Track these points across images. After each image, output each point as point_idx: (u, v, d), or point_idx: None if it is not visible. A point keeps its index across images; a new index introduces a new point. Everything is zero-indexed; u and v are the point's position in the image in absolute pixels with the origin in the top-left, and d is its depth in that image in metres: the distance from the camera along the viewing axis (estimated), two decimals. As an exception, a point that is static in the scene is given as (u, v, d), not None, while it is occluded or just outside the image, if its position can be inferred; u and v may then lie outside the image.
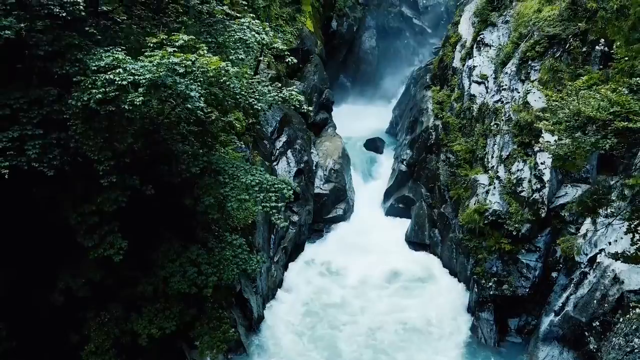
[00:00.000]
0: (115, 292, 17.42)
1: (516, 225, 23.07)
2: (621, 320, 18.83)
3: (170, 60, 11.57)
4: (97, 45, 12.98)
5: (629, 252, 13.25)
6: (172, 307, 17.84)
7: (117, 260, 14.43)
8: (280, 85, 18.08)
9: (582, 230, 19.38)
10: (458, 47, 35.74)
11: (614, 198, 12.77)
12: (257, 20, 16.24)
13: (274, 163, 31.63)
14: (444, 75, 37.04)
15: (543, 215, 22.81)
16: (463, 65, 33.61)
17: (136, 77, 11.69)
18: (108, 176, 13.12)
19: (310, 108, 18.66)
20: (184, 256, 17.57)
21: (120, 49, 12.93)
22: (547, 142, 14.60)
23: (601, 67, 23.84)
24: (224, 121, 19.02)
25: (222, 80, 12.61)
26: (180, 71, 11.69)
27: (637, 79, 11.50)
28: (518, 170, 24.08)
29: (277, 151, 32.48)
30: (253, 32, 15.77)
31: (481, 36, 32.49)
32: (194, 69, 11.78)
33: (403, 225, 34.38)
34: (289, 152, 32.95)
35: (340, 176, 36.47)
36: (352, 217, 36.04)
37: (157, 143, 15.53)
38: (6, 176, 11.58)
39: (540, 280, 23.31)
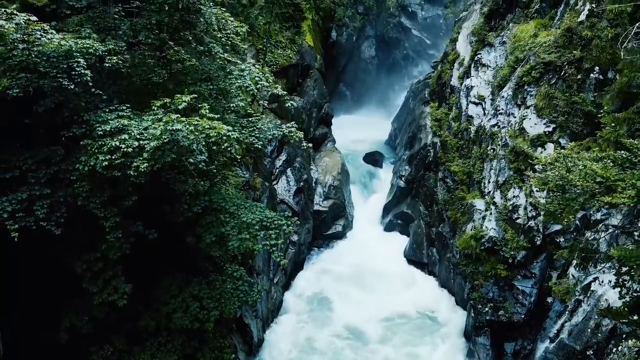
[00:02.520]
0: (119, 326, 17.82)
1: (512, 253, 23.43)
2: (614, 350, 19.22)
3: (174, 127, 11.94)
4: (102, 102, 13.35)
5: (617, 306, 13.61)
6: (174, 340, 18.30)
7: (121, 304, 14.80)
8: (280, 122, 18.37)
9: (571, 275, 19.77)
10: (456, 65, 36.06)
11: (602, 252, 13.17)
12: (256, 66, 16.58)
13: (274, 182, 31.97)
14: (442, 93, 37.38)
15: (538, 242, 23.16)
16: (461, 85, 33.94)
17: (141, 141, 12.08)
18: (115, 231, 13.53)
19: (310, 145, 19.00)
20: (186, 291, 18.01)
21: (125, 107, 13.32)
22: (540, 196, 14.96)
23: (595, 94, 24.19)
24: (225, 155, 19.38)
25: (224, 147, 12.99)
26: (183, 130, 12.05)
27: (622, 152, 11.88)
28: (514, 196, 24.44)
29: (277, 170, 32.78)
30: (253, 75, 16.11)
31: (479, 56, 32.81)
32: (197, 134, 12.15)
33: (401, 241, 34.78)
34: (288, 171, 33.26)
35: (339, 192, 36.83)
36: (351, 233, 36.45)
37: (159, 185, 15.89)
38: (16, 239, 11.99)
39: (536, 306, 23.66)
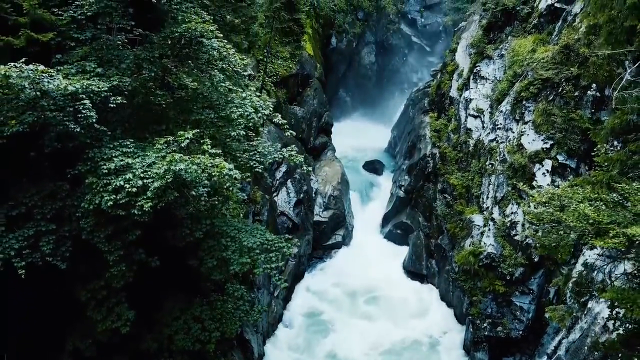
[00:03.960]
0: (121, 347, 18.04)
1: (510, 270, 23.69)
2: (610, 370, 19.45)
3: (178, 168, 12.18)
4: (106, 135, 13.57)
5: (611, 337, 13.84)
6: (176, 360, 18.51)
7: (125, 331, 15.04)
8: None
9: (569, 293, 20.00)
10: (455, 76, 36.32)
11: (596, 282, 13.44)
12: (257, 95, 16.80)
13: (274, 194, 32.14)
14: (441, 103, 37.63)
15: (536, 260, 23.42)
16: (460, 96, 34.18)
17: (145, 180, 12.34)
18: (118, 264, 13.78)
19: (310, 168, 19.25)
20: (187, 313, 18.21)
21: (129, 142, 13.58)
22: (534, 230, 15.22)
23: (593, 110, 24.43)
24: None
25: (226, 186, 13.25)
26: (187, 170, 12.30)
27: (614, 195, 12.15)
28: (512, 212, 24.69)
29: (277, 182, 32.97)
30: (254, 103, 16.34)
31: (477, 68, 33.05)
32: (199, 172, 12.40)
33: (401, 252, 34.99)
34: (288, 182, 33.45)
35: (339, 202, 37.03)
36: (351, 243, 36.64)
37: (161, 210, 16.10)
38: (23, 276, 12.25)
39: (534, 321, 23.91)
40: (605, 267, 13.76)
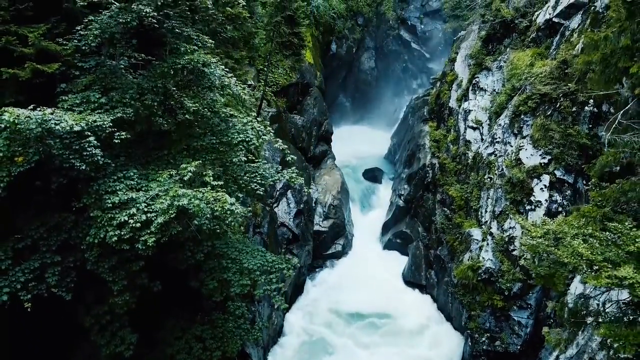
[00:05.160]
0: (125, 366, 18.31)
1: (508, 285, 23.95)
2: (606, 387, 19.67)
3: (180, 203, 12.43)
4: (110, 167, 13.82)
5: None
6: (178, 380, 18.73)
7: (128, 355, 15.29)
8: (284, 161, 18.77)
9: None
10: (454, 87, 36.52)
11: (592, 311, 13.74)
12: (257, 121, 17.04)
13: (274, 205, 32.31)
14: (440, 113, 37.84)
15: (534, 275, 23.62)
16: (459, 107, 34.40)
17: (149, 214, 12.60)
18: (122, 294, 14.03)
19: (311, 190, 19.50)
20: (189, 332, 18.47)
21: (132, 172, 13.83)
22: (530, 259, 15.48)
23: (590, 126, 24.67)
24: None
25: (228, 221, 13.51)
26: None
27: (607, 233, 12.43)
28: (510, 227, 24.92)
29: (277, 192, 33.11)
30: (255, 128, 16.62)
31: (476, 79, 33.26)
32: (202, 206, 12.64)
33: (400, 261, 35.22)
34: (288, 193, 33.57)
35: (339, 212, 37.22)
36: (351, 252, 36.87)
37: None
38: (29, 309, 12.50)
39: (532, 335, 24.17)
40: (599, 296, 14.04)
